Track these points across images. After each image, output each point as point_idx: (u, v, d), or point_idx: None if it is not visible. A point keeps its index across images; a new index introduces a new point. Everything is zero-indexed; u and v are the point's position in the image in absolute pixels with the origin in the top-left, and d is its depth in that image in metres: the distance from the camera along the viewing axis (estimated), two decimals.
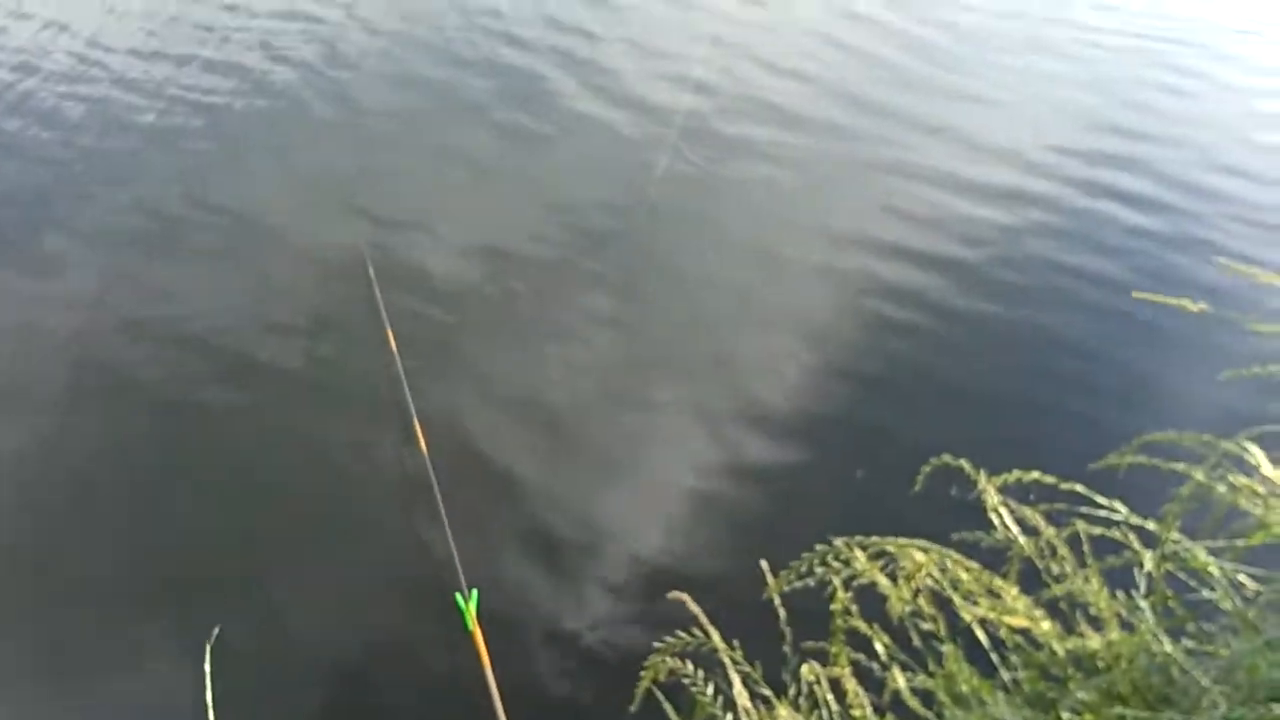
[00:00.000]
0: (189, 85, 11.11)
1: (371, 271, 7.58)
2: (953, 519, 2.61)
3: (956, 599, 2.34)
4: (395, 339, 6.87)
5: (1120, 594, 2.33)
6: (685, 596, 2.80)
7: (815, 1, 13.21)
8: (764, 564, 2.67)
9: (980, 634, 2.35)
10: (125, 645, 5.26)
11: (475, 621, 4.92)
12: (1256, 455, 2.10)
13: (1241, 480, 2.08)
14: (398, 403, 6.36)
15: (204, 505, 6.00)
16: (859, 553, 2.39)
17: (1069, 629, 2.33)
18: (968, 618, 2.35)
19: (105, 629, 5.34)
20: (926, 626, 2.32)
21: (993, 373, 6.83)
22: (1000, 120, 10.18)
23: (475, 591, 5.01)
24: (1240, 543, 2.16)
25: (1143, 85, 10.97)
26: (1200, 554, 2.17)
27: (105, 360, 7.18)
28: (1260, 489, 2.14)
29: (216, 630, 3.31)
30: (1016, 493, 2.41)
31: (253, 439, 6.45)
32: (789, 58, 11.45)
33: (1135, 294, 3.12)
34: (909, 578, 2.33)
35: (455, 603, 5.00)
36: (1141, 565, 2.20)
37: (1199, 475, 2.24)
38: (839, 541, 2.44)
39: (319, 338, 7.27)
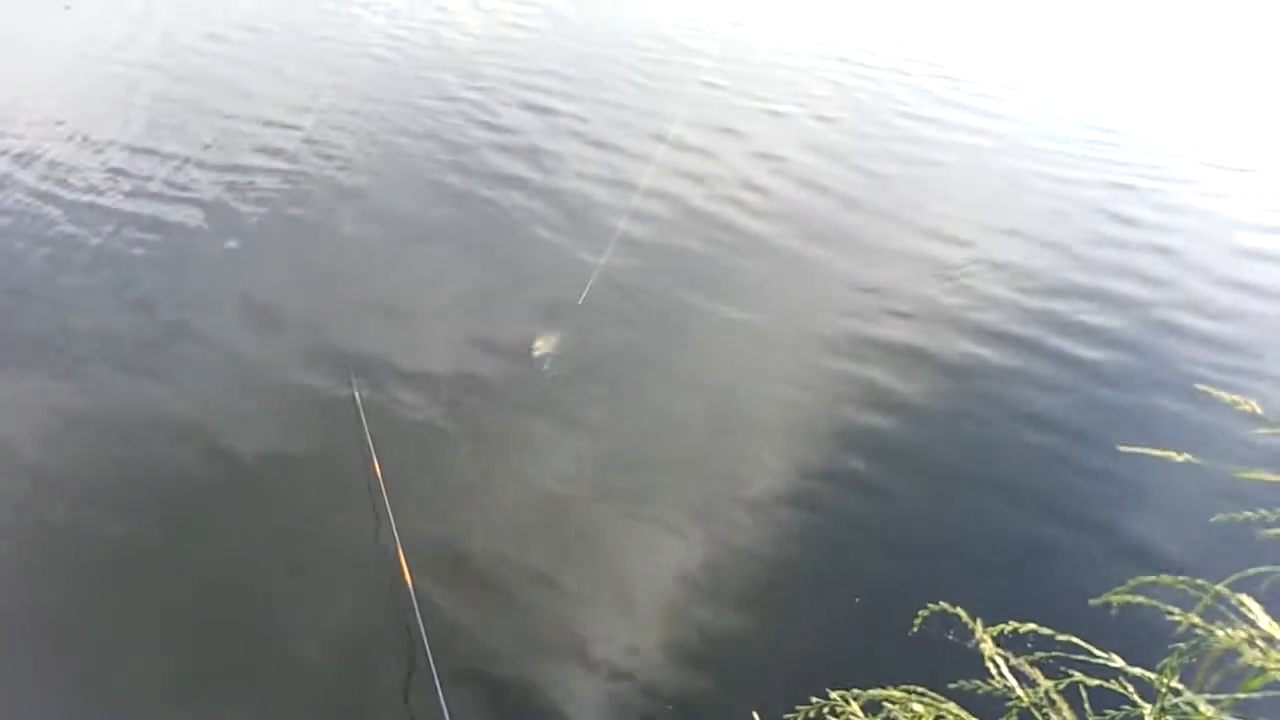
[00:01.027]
0: (184, 188, 11.38)
1: (358, 398, 7.58)
2: (949, 664, 2.58)
3: None
4: (380, 467, 6.82)
5: None
6: None
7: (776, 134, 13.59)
8: (755, 717, 2.61)
9: None
10: None
11: None
12: (1251, 606, 2.09)
13: (1239, 633, 2.06)
14: (382, 534, 6.29)
15: (181, 631, 5.87)
16: (854, 705, 2.33)
17: None
18: None
19: None
20: None
21: (981, 509, 6.82)
22: (970, 243, 10.41)
23: None
24: (1241, 695, 2.13)
25: (1108, 218, 11.26)
26: (1201, 705, 2.14)
27: (79, 465, 7.16)
28: (1258, 637, 2.12)
29: None
30: (1013, 642, 2.38)
31: (230, 565, 6.34)
32: (751, 181, 11.76)
33: (1121, 448, 3.12)
34: None
35: None
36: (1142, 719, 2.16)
37: (1196, 622, 2.22)
38: (835, 694, 2.38)
39: (302, 465, 7.25)
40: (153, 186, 11.81)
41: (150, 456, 7.30)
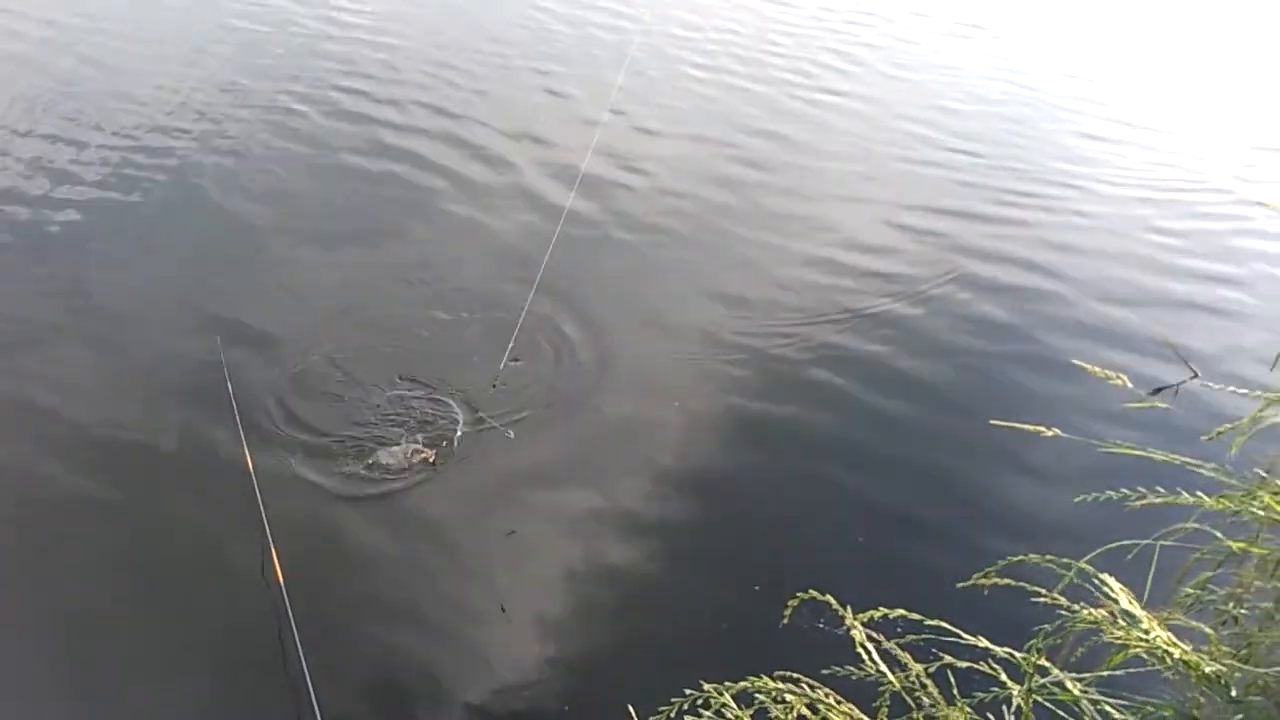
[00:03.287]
0: (56, 183, 10.69)
1: (230, 387, 7.25)
2: (822, 651, 2.55)
3: None
4: (252, 458, 6.55)
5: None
6: None
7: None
8: (631, 709, 2.54)
9: None
10: None
11: None
12: (1112, 584, 2.11)
13: (1101, 611, 2.08)
14: (254, 528, 6.01)
15: (39, 639, 5.51)
16: (727, 697, 2.29)
17: None
18: None
19: None
20: None
21: (851, 493, 6.87)
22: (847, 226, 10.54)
23: None
24: (1104, 671, 2.16)
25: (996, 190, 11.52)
26: (1069, 684, 2.16)
27: None
28: (1119, 614, 2.15)
29: None
30: (884, 626, 2.37)
31: (90, 564, 5.97)
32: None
33: (992, 422, 3.16)
34: None
35: None
36: (1010, 701, 2.16)
37: (1061, 601, 2.24)
38: (708, 686, 2.33)
39: (170, 454, 6.83)
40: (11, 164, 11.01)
41: None
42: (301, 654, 5.09)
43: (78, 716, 5.16)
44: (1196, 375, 7.91)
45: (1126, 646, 2.13)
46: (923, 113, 13.93)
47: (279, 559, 5.69)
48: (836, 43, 16.65)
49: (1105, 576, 2.12)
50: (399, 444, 6.91)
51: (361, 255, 9.59)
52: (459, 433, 6.99)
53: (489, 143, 12.07)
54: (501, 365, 7.55)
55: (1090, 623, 2.15)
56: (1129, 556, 2.52)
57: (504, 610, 5.79)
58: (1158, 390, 7.81)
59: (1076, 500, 2.69)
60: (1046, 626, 2.13)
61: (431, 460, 6.65)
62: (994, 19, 18.91)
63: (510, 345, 7.66)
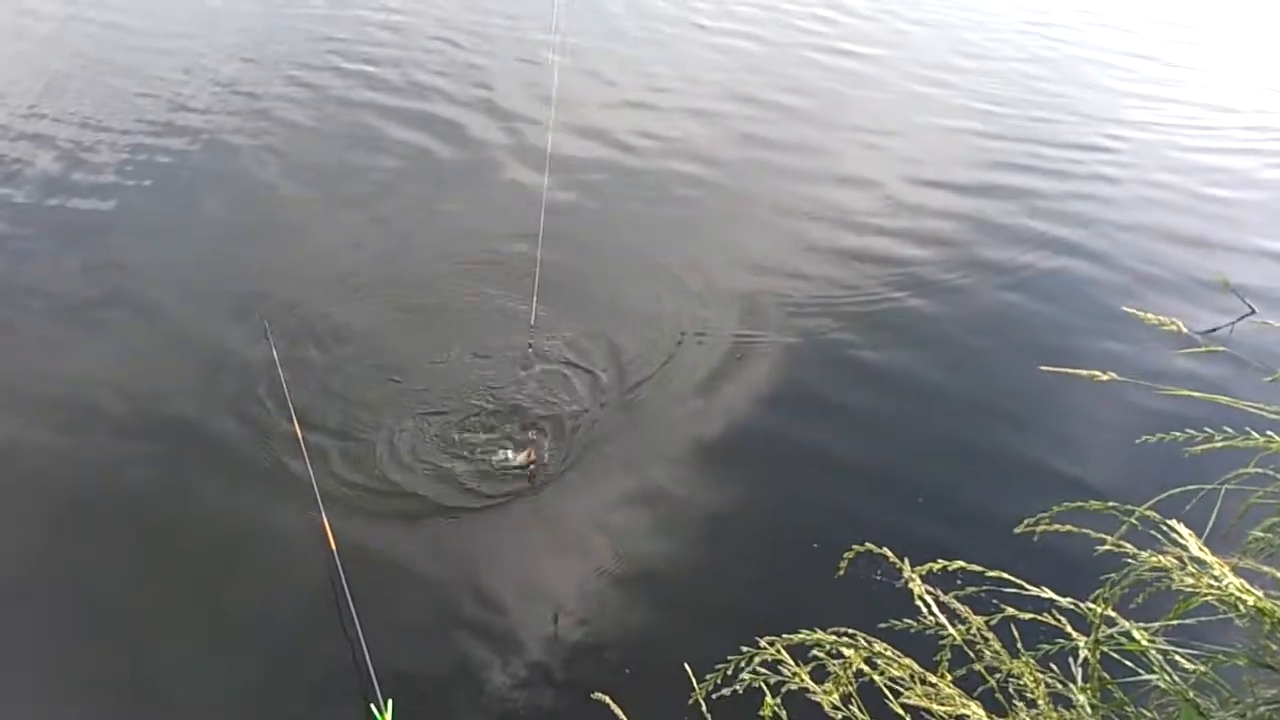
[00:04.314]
0: (94, 152, 10.76)
1: (275, 353, 7.29)
2: (879, 604, 2.51)
3: (888, 693, 2.23)
4: (300, 423, 6.59)
5: (1056, 671, 2.25)
6: (609, 699, 2.64)
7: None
8: (687, 667, 2.52)
9: None
10: None
11: None
12: (1180, 530, 2.03)
13: (1169, 558, 2.00)
14: (304, 495, 6.05)
15: (99, 605, 5.62)
16: (784, 653, 2.25)
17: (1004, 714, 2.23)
18: (899, 709, 2.24)
19: None
20: None
21: (908, 445, 6.84)
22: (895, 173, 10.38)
23: (391, 702, 4.72)
24: (1173, 620, 2.09)
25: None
26: (1136, 634, 2.09)
27: None
28: (1188, 559, 2.07)
29: None
30: (944, 578, 2.31)
31: (141, 533, 6.06)
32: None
33: (1043, 368, 3.06)
34: (837, 678, 2.19)
35: (371, 716, 4.70)
36: (1076, 653, 2.11)
37: (1126, 548, 2.17)
38: (764, 642, 2.30)
39: (220, 422, 6.92)
40: (41, 150, 11.10)
41: (54, 430, 6.92)
42: (355, 613, 5.15)
43: (135, 681, 5.25)
44: (1254, 312, 7.71)
45: (1195, 593, 2.05)
46: (946, 66, 13.69)
47: (331, 529, 5.74)
48: None
49: (1172, 522, 2.04)
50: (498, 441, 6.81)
51: (397, 223, 9.63)
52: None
53: (506, 109, 12.04)
54: (531, 320, 7.54)
55: (1157, 569, 2.08)
56: (1191, 504, 2.43)
57: (564, 579, 5.79)
58: (1212, 330, 7.63)
59: (1138, 442, 2.60)
60: (1113, 575, 2.06)
61: (531, 461, 6.49)
62: None
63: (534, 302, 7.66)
